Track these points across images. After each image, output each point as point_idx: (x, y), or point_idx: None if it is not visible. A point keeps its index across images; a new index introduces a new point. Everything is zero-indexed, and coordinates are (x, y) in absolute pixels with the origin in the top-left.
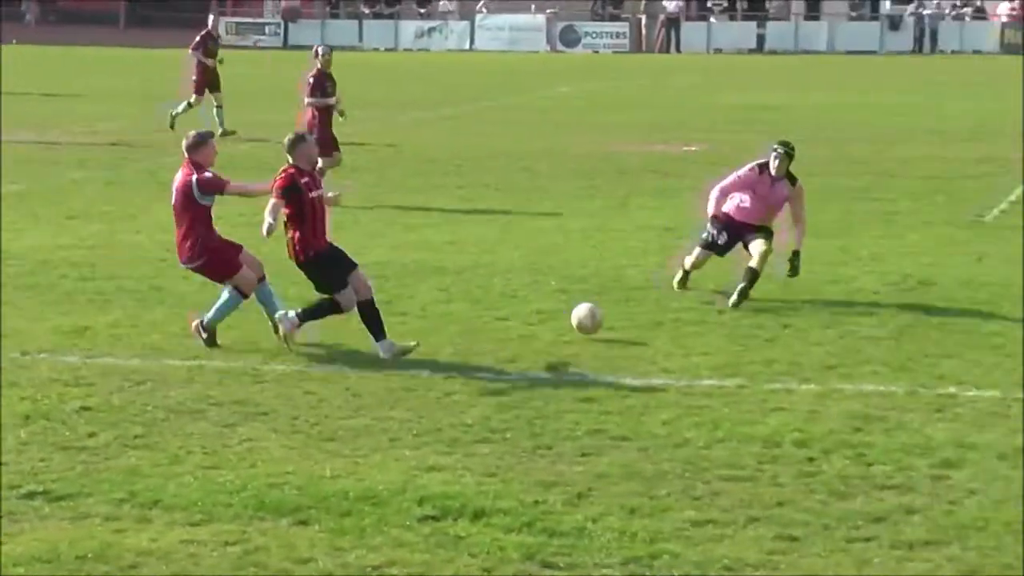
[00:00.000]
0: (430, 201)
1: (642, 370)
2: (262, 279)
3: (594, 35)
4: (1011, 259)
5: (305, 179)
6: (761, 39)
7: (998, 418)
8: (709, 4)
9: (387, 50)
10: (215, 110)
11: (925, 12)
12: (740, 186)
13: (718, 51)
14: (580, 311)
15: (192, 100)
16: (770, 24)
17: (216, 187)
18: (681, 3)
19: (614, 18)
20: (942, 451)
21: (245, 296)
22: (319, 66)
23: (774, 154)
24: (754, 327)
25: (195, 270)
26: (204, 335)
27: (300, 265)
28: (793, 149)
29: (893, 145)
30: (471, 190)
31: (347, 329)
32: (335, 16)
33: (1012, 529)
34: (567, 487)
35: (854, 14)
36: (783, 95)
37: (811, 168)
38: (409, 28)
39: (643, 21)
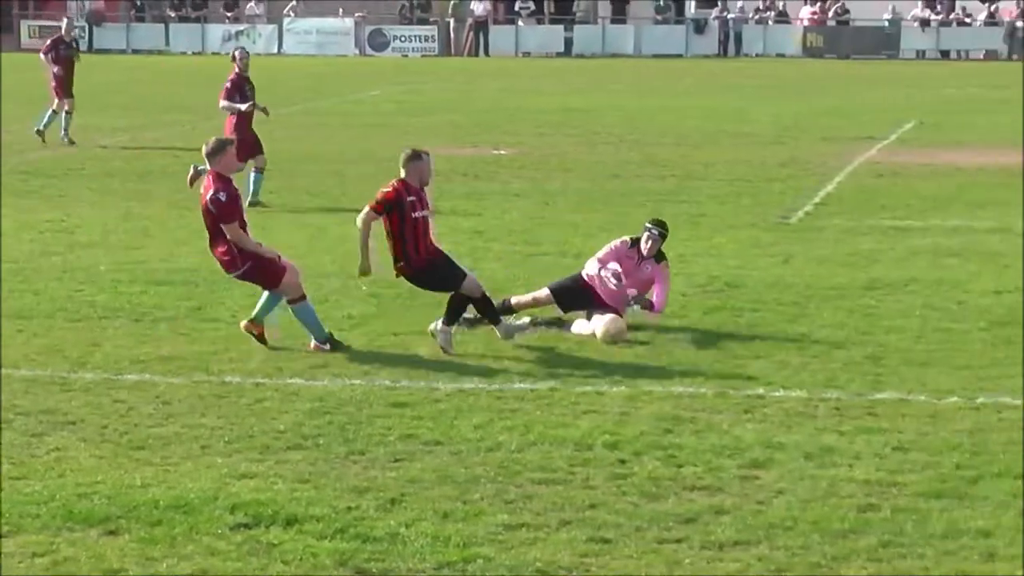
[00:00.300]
0: None
1: (454, 374)
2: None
3: (403, 39)
4: (817, 260)
5: (411, 197)
6: (569, 42)
7: (805, 418)
8: (517, 7)
9: (195, 53)
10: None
11: (729, 16)
12: (612, 256)
13: (526, 54)
14: (608, 325)
15: (55, 107)
16: (577, 27)
17: (225, 217)
18: (489, 6)
19: (422, 22)
20: (751, 451)
21: (301, 299)
22: (237, 69)
23: (647, 234)
24: (565, 331)
25: (241, 279)
26: (326, 346)
27: (408, 279)
28: (667, 230)
29: (699, 148)
30: (281, 195)
31: (154, 336)
32: (140, 19)
33: (819, 528)
34: (380, 492)
35: (660, 17)
36: (591, 98)
37: (618, 171)
38: (216, 32)
39: (451, 25)
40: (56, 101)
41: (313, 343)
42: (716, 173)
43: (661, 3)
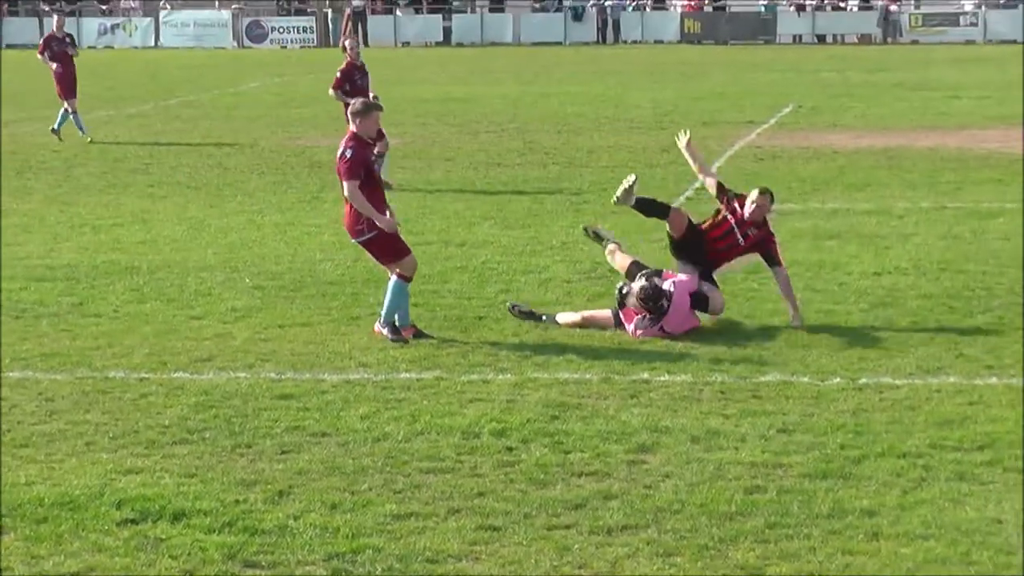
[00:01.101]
0: (120, 201)
1: (339, 365)
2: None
3: (281, 30)
4: None
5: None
6: (448, 31)
7: (690, 402)
8: None
9: None
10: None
11: (607, 3)
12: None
13: (405, 44)
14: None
15: (66, 107)
16: (456, 16)
17: (345, 172)
18: None
19: (300, 13)
20: (637, 436)
21: (408, 280)
22: (349, 59)
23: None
24: (451, 319)
25: (363, 246)
26: (391, 334)
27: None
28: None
29: (580, 135)
30: (162, 188)
31: (35, 332)
32: (14, 13)
33: (707, 511)
34: (267, 485)
35: (538, 5)
36: (472, 87)
37: (500, 159)
38: (92, 25)
39: (329, 15)
40: (66, 101)
41: (376, 326)
42: (598, 160)
43: None
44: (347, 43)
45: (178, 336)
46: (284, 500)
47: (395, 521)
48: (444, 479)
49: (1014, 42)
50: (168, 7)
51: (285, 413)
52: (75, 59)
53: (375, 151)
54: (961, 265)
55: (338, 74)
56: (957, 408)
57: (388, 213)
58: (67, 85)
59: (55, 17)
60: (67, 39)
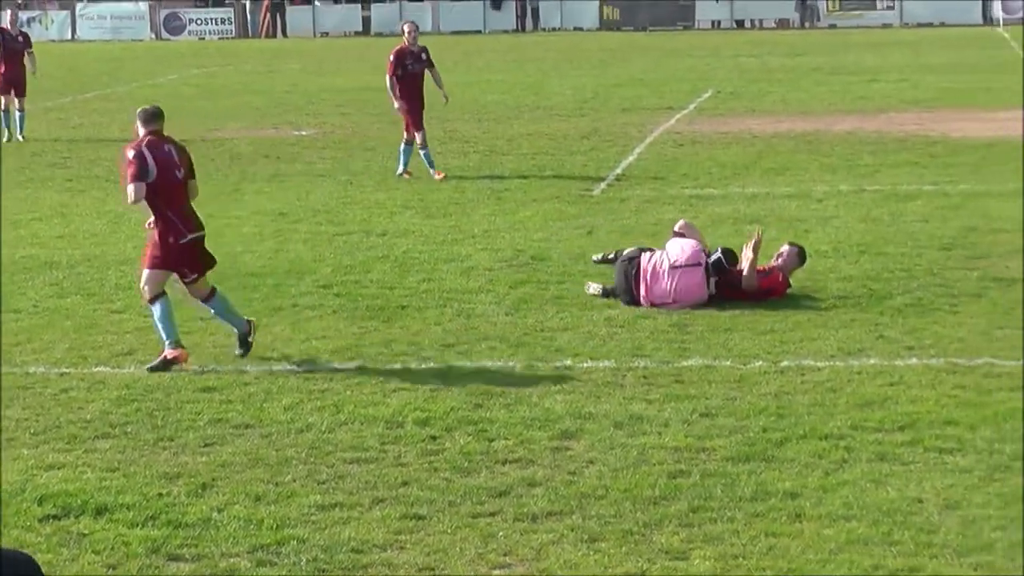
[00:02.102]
0: (38, 195)
1: (262, 356)
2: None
3: (199, 22)
4: (620, 230)
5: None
6: (367, 21)
7: (613, 388)
8: None
9: None
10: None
11: None
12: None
13: (324, 34)
14: None
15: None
16: (375, 6)
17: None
18: None
19: (218, 4)
20: (561, 423)
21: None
22: (406, 43)
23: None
24: (372, 309)
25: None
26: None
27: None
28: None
29: (501, 123)
30: (80, 182)
31: None
32: None
33: (631, 495)
34: (191, 478)
35: None
36: None
37: None
38: (7, 18)
39: (247, 6)
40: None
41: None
42: (519, 147)
43: None
44: (405, 26)
45: (99, 330)
46: (207, 493)
47: (319, 512)
48: (368, 469)
49: (931, 25)
50: (84, 0)
51: (208, 406)
52: (28, 56)
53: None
54: (880, 247)
55: (390, 57)
56: (878, 389)
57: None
58: (7, 82)
59: (7, 12)
60: (20, 37)
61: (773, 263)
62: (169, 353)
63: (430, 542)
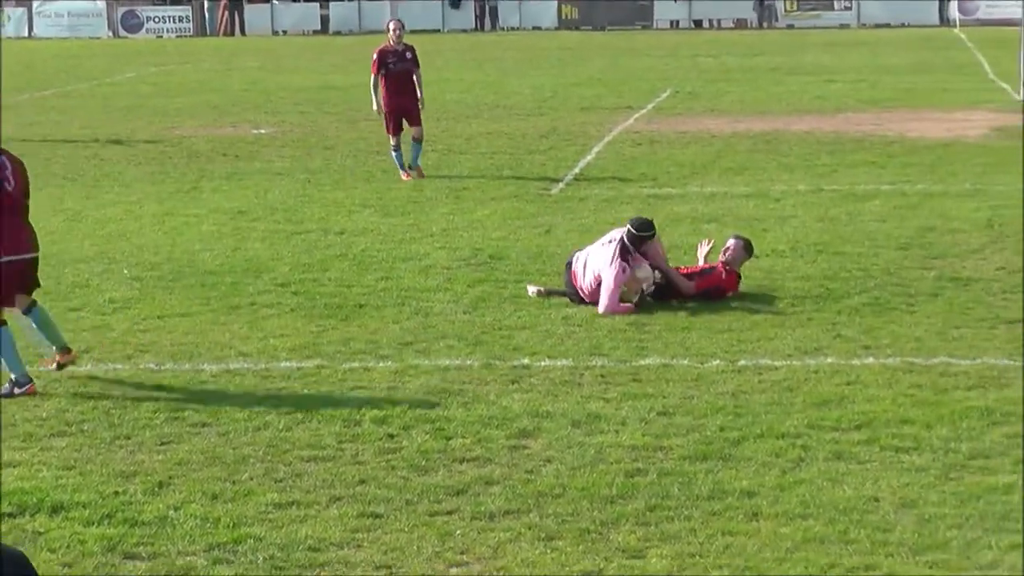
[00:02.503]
0: None
1: (219, 355)
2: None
3: (157, 19)
4: (579, 229)
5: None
6: (325, 20)
7: (571, 386)
8: None
9: None
10: None
11: None
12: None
13: (283, 33)
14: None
15: None
16: (333, 5)
17: None
18: None
19: (176, 2)
20: (518, 421)
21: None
22: (389, 41)
23: (642, 241)
24: (330, 307)
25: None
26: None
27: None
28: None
29: (459, 121)
30: (38, 180)
31: None
32: None
33: (588, 494)
34: (147, 476)
35: None
36: (350, 76)
37: (381, 148)
38: None
39: (205, 5)
40: None
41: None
42: (477, 146)
43: None
44: (389, 24)
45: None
46: (164, 491)
47: (276, 510)
48: (325, 467)
49: (888, 26)
50: None
51: (165, 404)
52: None
53: (413, 136)
54: (838, 247)
55: (374, 56)
56: (835, 388)
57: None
58: None
59: None
60: None
61: (721, 258)
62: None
63: (387, 540)
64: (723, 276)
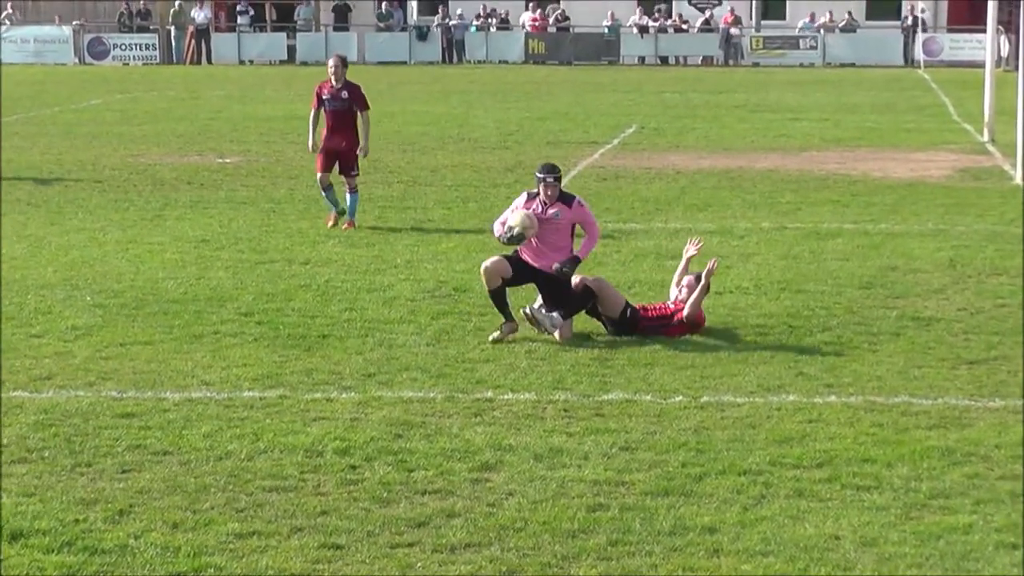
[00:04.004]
0: None
1: (181, 383)
2: None
3: (123, 47)
4: None
5: None
6: (292, 50)
7: (534, 420)
8: (238, 10)
9: None
10: None
11: (451, 23)
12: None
13: (249, 62)
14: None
15: None
16: (300, 35)
17: None
18: (210, 14)
19: (143, 30)
20: (481, 454)
21: None
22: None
23: (538, 182)
24: (294, 337)
25: None
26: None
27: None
28: (557, 171)
29: (424, 154)
30: (3, 206)
31: None
32: None
33: (550, 528)
34: (108, 504)
35: (382, 25)
36: None
37: None
38: None
39: (172, 32)
40: None
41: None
42: (442, 179)
43: (383, 11)
44: (329, 60)
45: (17, 354)
46: (125, 519)
47: (237, 540)
48: (287, 497)
49: (853, 65)
50: (8, 23)
51: (126, 432)
52: None
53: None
54: (800, 285)
55: (315, 90)
56: (797, 426)
57: None
58: None
59: None
60: None
61: (682, 296)
62: None
63: (348, 572)
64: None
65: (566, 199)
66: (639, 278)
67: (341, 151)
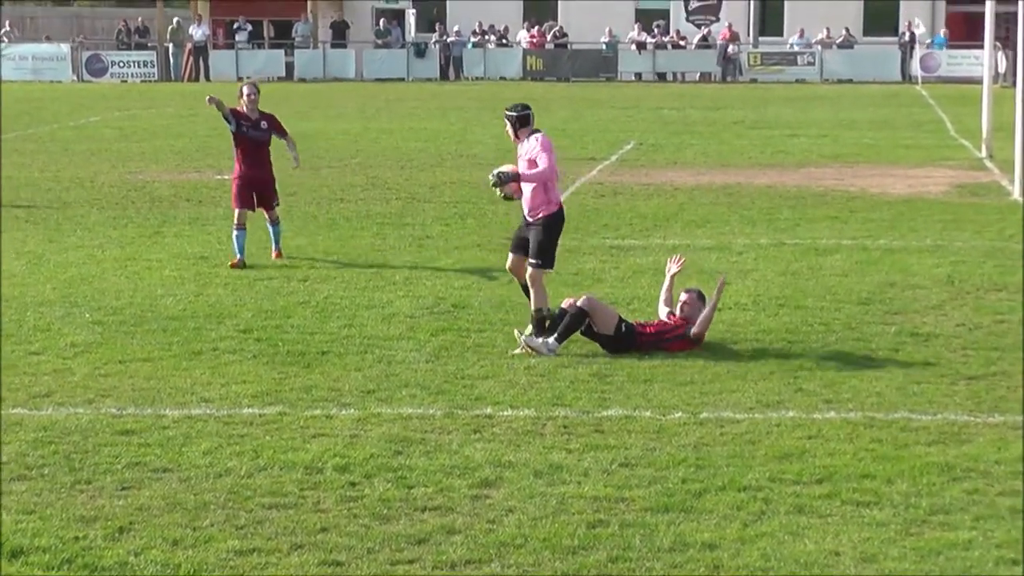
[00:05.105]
0: None
1: (181, 400)
2: None
3: (121, 64)
4: None
5: None
6: (290, 67)
7: (534, 436)
8: (236, 31)
9: None
10: None
11: (449, 39)
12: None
13: (247, 79)
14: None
15: None
16: (298, 52)
17: None
18: (208, 31)
19: (140, 47)
20: (480, 471)
21: None
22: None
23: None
24: (293, 354)
25: None
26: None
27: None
28: (514, 110)
29: (423, 170)
30: None
31: None
32: None
33: (550, 545)
34: (108, 521)
35: (380, 42)
36: (314, 123)
37: (344, 195)
38: None
39: (170, 49)
40: None
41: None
42: (441, 195)
43: (381, 28)
44: (243, 87)
45: (16, 372)
46: (124, 536)
47: (237, 557)
48: (287, 515)
49: (850, 81)
50: (6, 40)
51: (126, 449)
52: None
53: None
54: (799, 301)
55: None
56: (796, 442)
57: None
58: None
59: None
60: None
61: (679, 313)
62: None
63: None
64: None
65: (529, 133)
66: (637, 294)
67: (259, 184)
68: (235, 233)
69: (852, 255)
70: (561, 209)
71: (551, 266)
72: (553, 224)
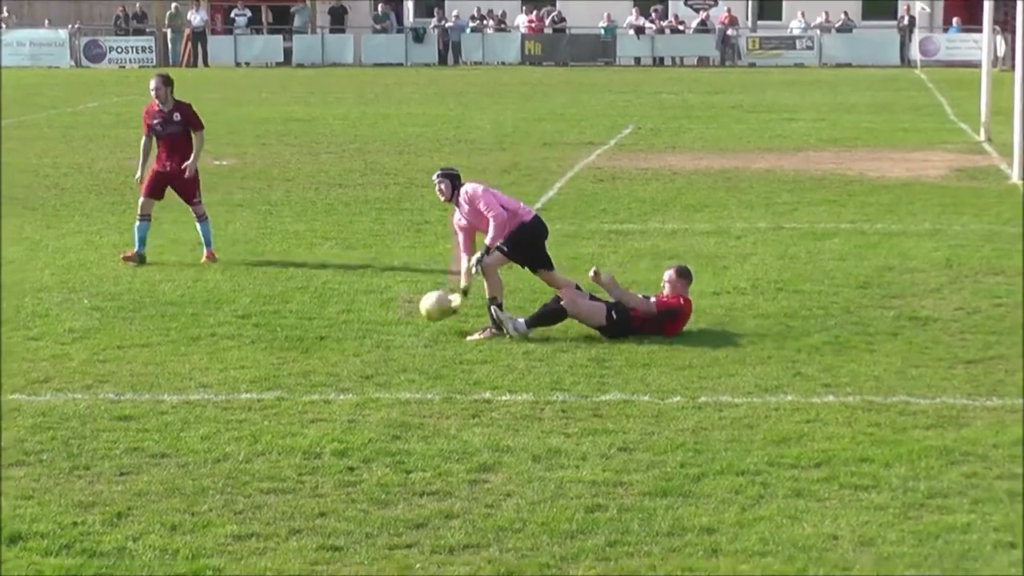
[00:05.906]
0: None
1: (179, 386)
2: None
3: (119, 49)
4: None
5: None
6: (288, 52)
7: (532, 421)
8: (234, 15)
9: None
10: None
11: (448, 24)
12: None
13: (246, 64)
14: (428, 302)
15: None
16: (296, 37)
17: None
18: (206, 16)
19: (139, 32)
20: (479, 455)
21: None
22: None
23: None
24: (292, 339)
25: None
26: None
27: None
28: (449, 171)
29: (421, 155)
30: None
31: None
32: None
33: (548, 529)
34: (106, 507)
35: (379, 27)
36: (313, 108)
37: (342, 180)
38: None
39: (168, 35)
40: None
41: None
42: None
43: (380, 12)
44: (151, 81)
45: (14, 357)
46: (123, 522)
47: (236, 542)
48: (285, 499)
49: (849, 65)
50: (4, 26)
51: (124, 434)
52: None
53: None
54: (797, 285)
55: (143, 113)
56: (794, 426)
57: None
58: None
59: None
60: None
61: (666, 292)
62: None
63: (347, 573)
64: (678, 300)
65: (456, 194)
66: (636, 279)
67: (175, 177)
68: (137, 223)
69: (850, 239)
70: (536, 217)
71: (513, 257)
72: (528, 230)
